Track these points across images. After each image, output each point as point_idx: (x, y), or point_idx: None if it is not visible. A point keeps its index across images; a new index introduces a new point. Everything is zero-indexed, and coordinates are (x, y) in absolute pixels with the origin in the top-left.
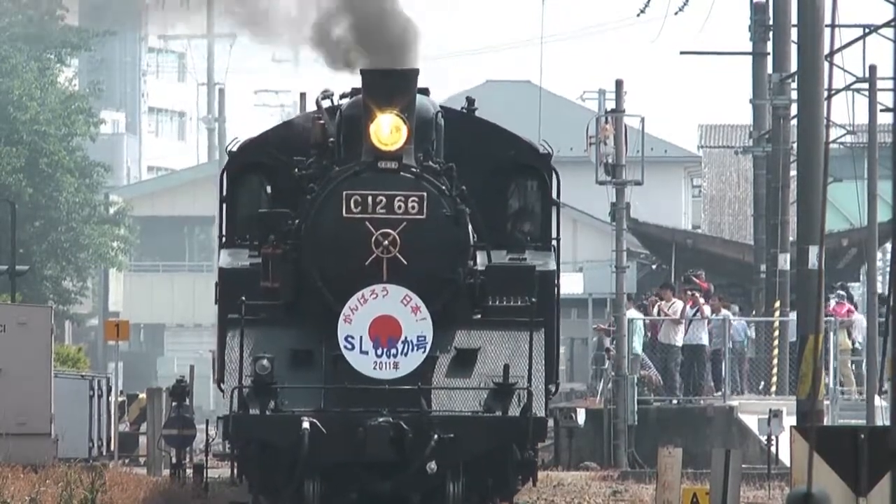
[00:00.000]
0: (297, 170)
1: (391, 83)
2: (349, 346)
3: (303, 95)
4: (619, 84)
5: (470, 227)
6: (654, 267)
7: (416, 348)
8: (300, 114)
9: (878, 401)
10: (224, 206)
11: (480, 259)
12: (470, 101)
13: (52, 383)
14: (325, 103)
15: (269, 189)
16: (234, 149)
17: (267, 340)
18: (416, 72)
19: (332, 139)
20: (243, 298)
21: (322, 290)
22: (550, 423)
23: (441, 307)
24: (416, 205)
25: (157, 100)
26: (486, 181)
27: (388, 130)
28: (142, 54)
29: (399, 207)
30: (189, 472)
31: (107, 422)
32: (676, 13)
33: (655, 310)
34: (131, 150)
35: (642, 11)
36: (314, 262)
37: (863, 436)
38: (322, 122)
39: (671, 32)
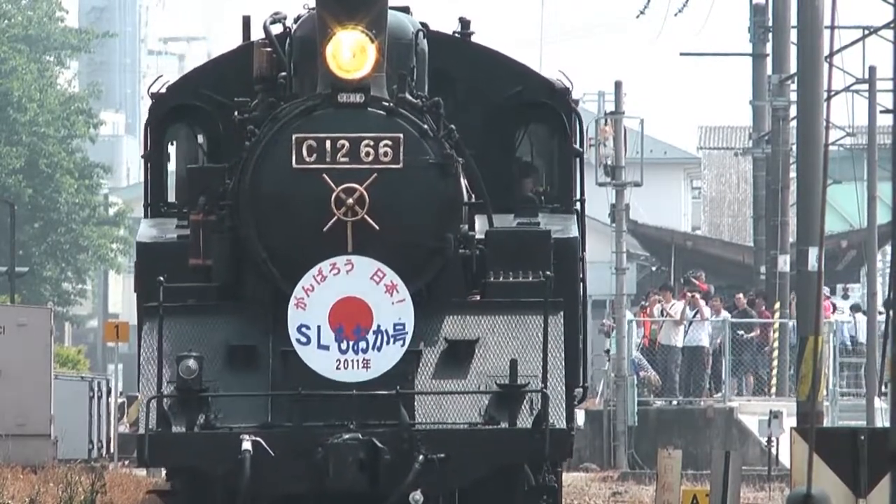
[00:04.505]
0: (236, 113)
1: None
2: (304, 340)
3: (246, 20)
4: (618, 85)
5: (464, 181)
6: (653, 269)
7: (392, 340)
8: (243, 43)
9: (877, 402)
10: (148, 165)
11: (479, 224)
12: (464, 22)
13: (52, 385)
14: (276, 28)
15: (201, 140)
16: (161, 91)
17: (196, 334)
18: None
19: (283, 74)
20: (161, 279)
21: (267, 265)
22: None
23: (425, 286)
24: (389, 150)
25: None
26: (487, 125)
27: (349, 52)
28: (141, 56)
29: (367, 154)
30: None
31: (106, 423)
32: (676, 14)
33: (657, 310)
34: (131, 151)
35: (642, 13)
36: (256, 229)
37: (862, 437)
38: (270, 50)
39: (671, 34)
